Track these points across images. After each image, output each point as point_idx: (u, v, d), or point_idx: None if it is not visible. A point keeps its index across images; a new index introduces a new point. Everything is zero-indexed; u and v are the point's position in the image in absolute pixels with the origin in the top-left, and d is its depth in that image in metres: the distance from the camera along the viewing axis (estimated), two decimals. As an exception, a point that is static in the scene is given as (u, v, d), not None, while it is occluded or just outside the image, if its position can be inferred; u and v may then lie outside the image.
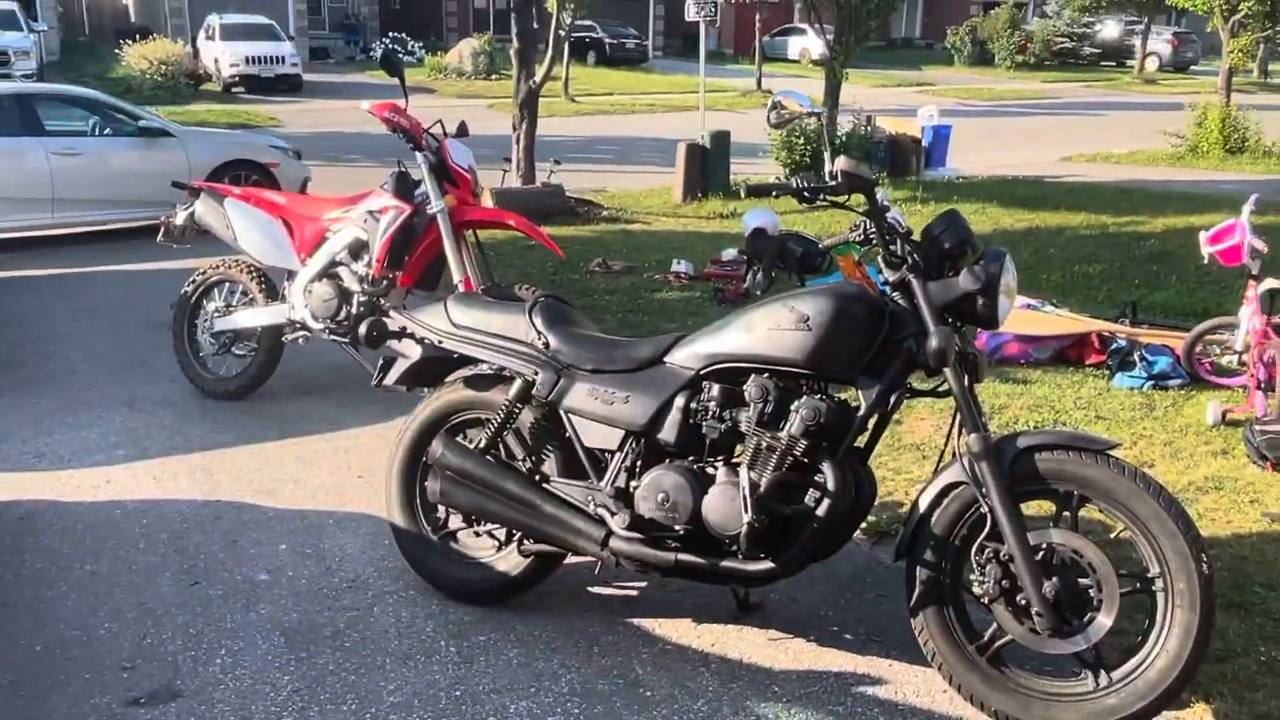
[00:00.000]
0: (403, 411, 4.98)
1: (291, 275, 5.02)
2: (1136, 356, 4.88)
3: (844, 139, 12.20)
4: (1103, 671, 2.57)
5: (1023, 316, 5.26)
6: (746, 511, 2.69)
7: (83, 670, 2.92)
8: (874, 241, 2.87)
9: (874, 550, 3.62)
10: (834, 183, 2.76)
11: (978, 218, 9.85)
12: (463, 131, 5.15)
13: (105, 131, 9.65)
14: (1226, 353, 4.78)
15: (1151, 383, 4.76)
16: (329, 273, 4.88)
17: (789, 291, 2.96)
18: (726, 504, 2.75)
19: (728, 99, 24.34)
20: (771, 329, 2.81)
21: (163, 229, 5.45)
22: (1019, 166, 13.94)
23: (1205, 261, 4.75)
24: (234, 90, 24.79)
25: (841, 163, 2.73)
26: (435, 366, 3.37)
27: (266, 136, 11.91)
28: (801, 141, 11.98)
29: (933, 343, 2.64)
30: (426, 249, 4.82)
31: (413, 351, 3.35)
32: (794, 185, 2.83)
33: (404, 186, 4.79)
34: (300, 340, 5.04)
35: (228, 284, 5.23)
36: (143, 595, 3.33)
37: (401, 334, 3.36)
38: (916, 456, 4.26)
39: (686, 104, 23.93)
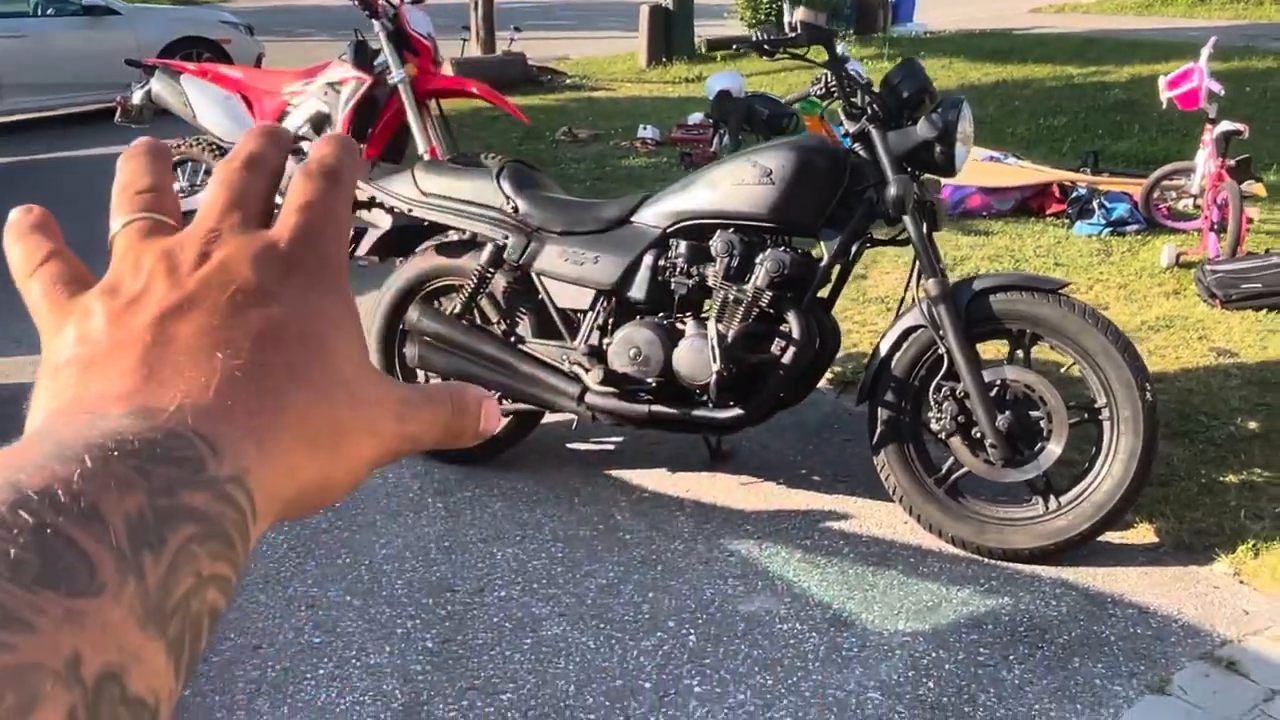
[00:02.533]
0: (375, 285, 5.05)
1: (255, 152, 4.98)
2: (1095, 204, 4.97)
3: (809, -5, 11.98)
4: (1052, 496, 2.74)
5: (985, 169, 5.32)
6: (715, 361, 2.80)
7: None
8: (835, 94, 2.91)
9: (840, 399, 3.76)
10: (793, 34, 2.78)
11: (944, 73, 9.78)
12: (417, -1, 5.06)
13: (48, 11, 9.34)
14: (1183, 197, 4.88)
15: (1110, 229, 4.87)
16: (291, 148, 4.84)
17: (752, 148, 3.00)
18: (695, 355, 2.85)
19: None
20: (735, 184, 2.86)
21: (120, 109, 5.37)
22: (988, 20, 13.73)
23: (1164, 106, 4.79)
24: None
25: (800, 14, 2.79)
26: (406, 236, 3.42)
27: (217, 12, 11.56)
28: (765, 1, 11.76)
29: (891, 190, 2.71)
30: (390, 120, 4.79)
31: (383, 221, 3.39)
32: (754, 38, 2.84)
33: (363, 57, 4.74)
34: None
35: (190, 164, 5.19)
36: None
37: (371, 204, 3.38)
38: (882, 309, 4.37)
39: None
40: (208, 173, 5.14)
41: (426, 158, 4.62)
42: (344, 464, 0.34)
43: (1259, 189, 5.01)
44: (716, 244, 2.87)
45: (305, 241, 0.35)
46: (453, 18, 10.49)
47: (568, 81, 10.38)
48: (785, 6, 2.52)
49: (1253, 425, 3.28)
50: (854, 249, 2.89)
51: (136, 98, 5.29)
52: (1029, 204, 5.25)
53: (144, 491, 0.27)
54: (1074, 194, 5.12)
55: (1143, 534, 2.86)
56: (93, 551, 0.25)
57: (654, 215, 3.01)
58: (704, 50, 2.80)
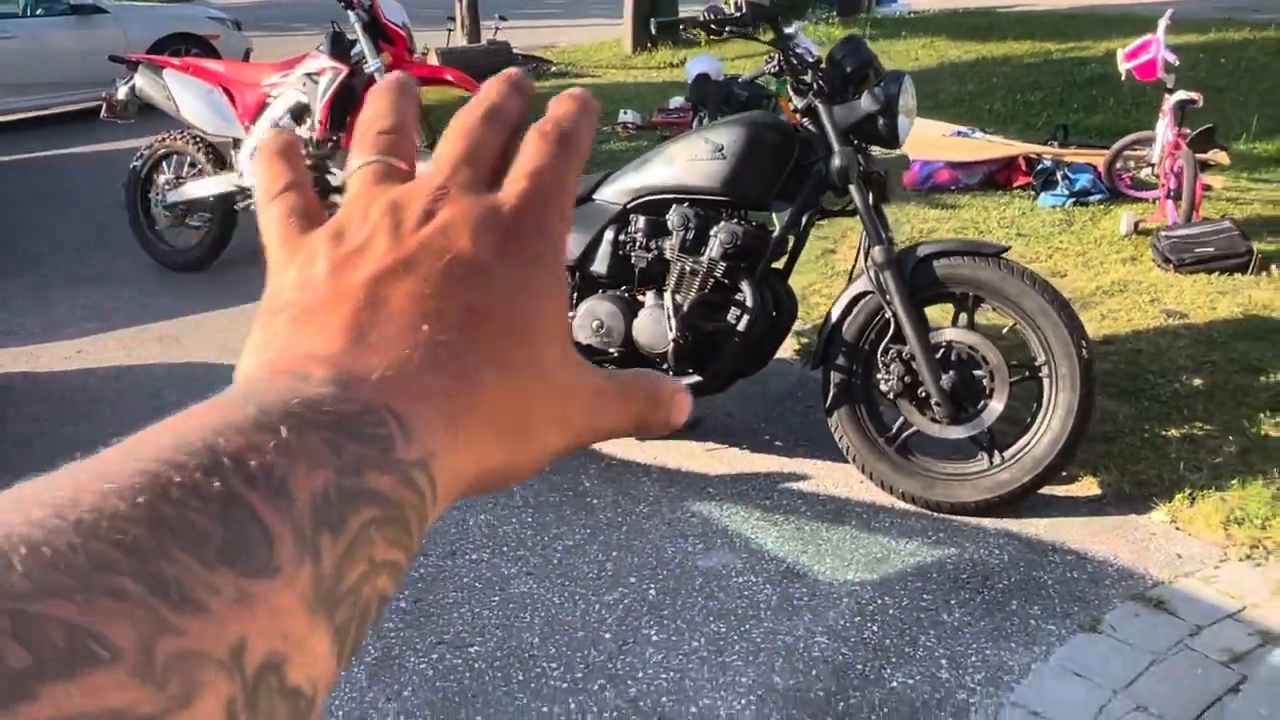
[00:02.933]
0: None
1: (237, 143, 5.09)
2: (1059, 176, 5.08)
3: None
4: (996, 452, 2.87)
5: (953, 144, 5.43)
6: (671, 330, 2.92)
7: (75, 516, 3.16)
8: (785, 71, 3.02)
9: (804, 369, 3.88)
10: (738, 14, 2.90)
11: (925, 52, 9.87)
12: (392, -12, 5.15)
13: (37, 12, 9.43)
14: (1144, 166, 4.98)
15: (1073, 199, 4.98)
16: (274, 138, 4.95)
17: (704, 126, 3.12)
18: (654, 325, 2.98)
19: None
20: (690, 160, 2.98)
21: (105, 105, 5.47)
22: (971, -1, 13.81)
23: (1123, 78, 4.90)
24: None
25: (744, -7, 2.86)
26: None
27: (203, 8, 11.64)
28: (749, -17, 11.82)
29: (836, 161, 2.83)
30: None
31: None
32: (701, 18, 2.96)
33: (339, 47, 4.84)
34: (252, 207, 5.15)
35: (175, 156, 5.30)
36: (124, 449, 3.55)
37: (343, 189, 3.50)
38: (845, 282, 4.49)
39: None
40: (192, 165, 5.25)
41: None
42: (529, 452, 0.33)
43: (1222, 157, 5.11)
44: (673, 218, 2.99)
45: (529, 211, 0.34)
46: (438, 8, 10.60)
47: (553, 69, 10.47)
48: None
49: (1197, 382, 3.40)
50: (805, 220, 3.01)
51: (121, 93, 5.39)
52: (996, 177, 5.36)
53: (333, 469, 0.27)
54: (1039, 166, 5.23)
55: (1086, 486, 2.98)
56: (275, 529, 0.25)
57: (614, 192, 3.13)
58: (653, 31, 2.89)
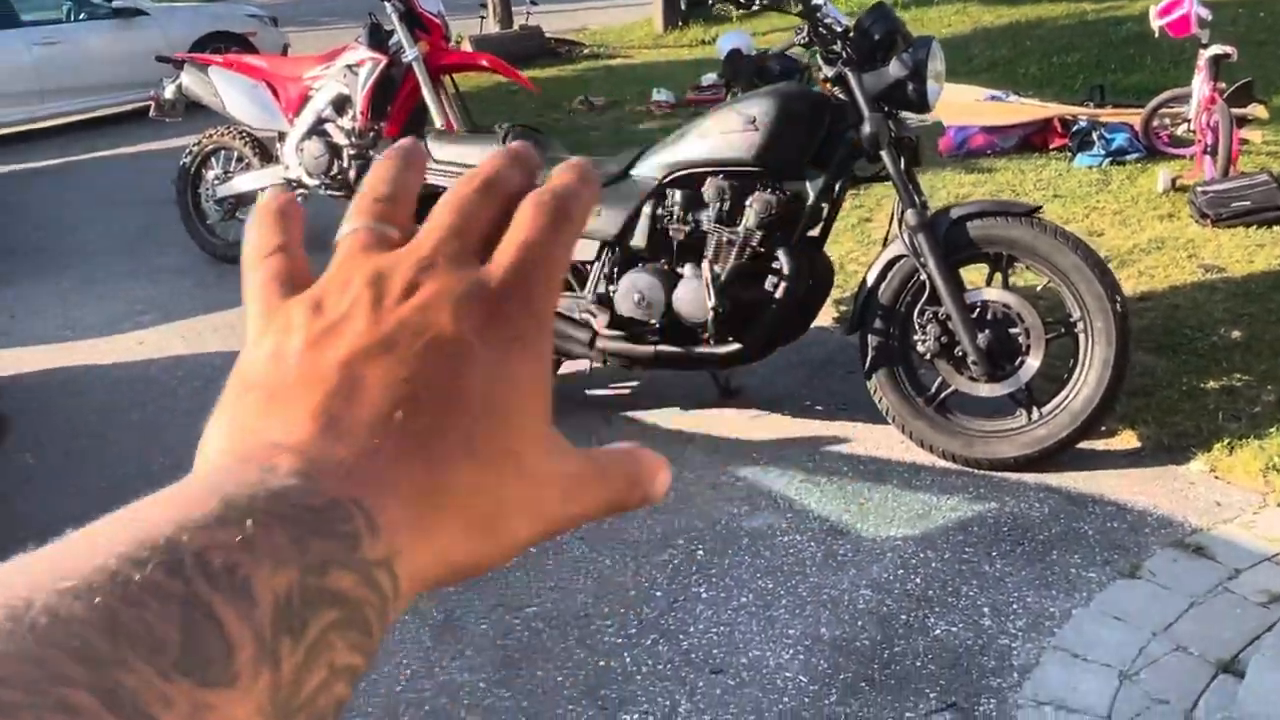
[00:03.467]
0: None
1: (282, 136, 5.23)
2: (1095, 136, 5.07)
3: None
4: (1034, 408, 2.92)
5: (987, 108, 5.43)
6: (710, 299, 3.00)
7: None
8: (815, 42, 3.08)
9: (842, 335, 3.93)
10: (765, -13, 2.95)
11: (958, 18, 9.80)
12: (425, -23, 5.25)
13: (80, 16, 9.66)
14: (1181, 122, 4.96)
15: (1109, 159, 4.97)
16: (317, 130, 5.08)
17: (736, 98, 3.18)
18: (693, 295, 3.05)
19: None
20: (723, 133, 3.05)
21: (154, 104, 5.64)
22: (1004, -38, 13.65)
23: (1156, 35, 4.88)
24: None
25: (772, -34, 2.91)
26: (421, 204, 3.64)
27: (241, 6, 11.81)
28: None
29: (866, 128, 2.88)
30: (407, 97, 5.01)
31: (401, 190, 3.61)
32: (729, -7, 3.01)
33: (377, 38, 4.94)
34: (299, 199, 5.28)
35: (223, 151, 5.45)
36: (187, 436, 3.64)
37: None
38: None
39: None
40: (239, 159, 5.40)
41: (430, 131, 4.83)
42: (497, 546, 0.32)
43: (1261, 111, 5.07)
44: (708, 190, 3.06)
45: (517, 286, 0.33)
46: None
47: (585, 52, 10.53)
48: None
49: (1235, 334, 3.42)
50: (838, 187, 3.07)
51: (168, 92, 5.55)
52: (1032, 140, 5.36)
53: (298, 568, 0.26)
54: (1075, 127, 5.22)
55: (1125, 440, 3.03)
56: (236, 635, 0.24)
57: (650, 167, 3.21)
58: (682, 6, 2.92)
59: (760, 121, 2.98)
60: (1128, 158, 4.97)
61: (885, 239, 3.16)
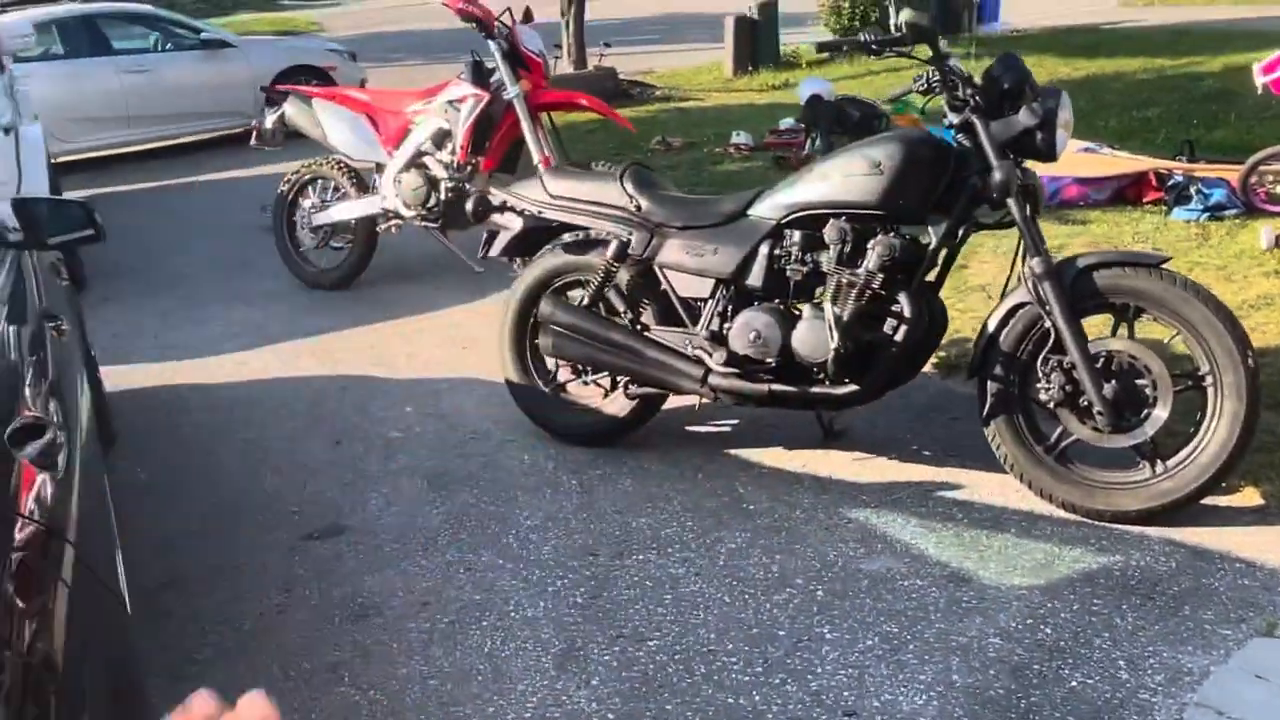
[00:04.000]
0: (493, 290, 5.35)
1: (380, 168, 5.34)
2: (1193, 190, 5.04)
3: None
4: (1158, 461, 2.88)
5: (1080, 160, 5.42)
6: (833, 340, 3.01)
7: (256, 515, 3.37)
8: (935, 90, 3.10)
9: (946, 381, 3.93)
10: (899, 35, 2.99)
11: (1035, 69, 9.68)
12: (528, 17, 5.37)
13: (168, 46, 9.95)
14: (1281, 181, 4.93)
15: (1208, 214, 4.94)
16: (416, 163, 5.19)
17: (860, 141, 3.20)
18: (814, 335, 3.07)
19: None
20: (846, 176, 3.07)
21: (255, 134, 5.79)
22: (1074, 16, 13.65)
23: (1259, 92, 4.86)
24: (274, -2, 24.81)
25: (906, 15, 2.95)
26: (534, 236, 3.70)
27: (321, 41, 12.12)
28: (848, 5, 11.92)
29: (997, 175, 2.89)
30: (505, 133, 5.10)
31: (514, 224, 3.68)
32: (862, 39, 3.05)
33: (480, 75, 5.05)
34: (393, 229, 5.39)
35: (320, 181, 5.57)
36: (295, 455, 3.77)
37: (503, 208, 3.68)
38: (983, 297, 4.53)
39: (727, -23, 23.50)
40: (336, 189, 5.52)
41: (541, 167, 4.91)
42: None
43: (1360, 171, 5.02)
44: (830, 232, 3.08)
45: None
46: (544, 35, 10.86)
47: (657, 94, 10.66)
48: (891, 9, 2.72)
49: (1356, 395, 3.36)
50: (960, 233, 3.08)
51: (269, 122, 5.70)
52: (1125, 193, 5.34)
53: None
54: (1171, 181, 5.20)
55: (1248, 497, 2.98)
56: None
57: (768, 208, 3.24)
58: (817, 51, 2.97)
59: (885, 166, 3.01)
60: (1226, 213, 4.94)
61: (1004, 285, 3.16)
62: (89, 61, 9.42)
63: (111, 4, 10.25)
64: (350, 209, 5.40)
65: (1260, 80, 4.71)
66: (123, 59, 9.62)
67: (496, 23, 5.01)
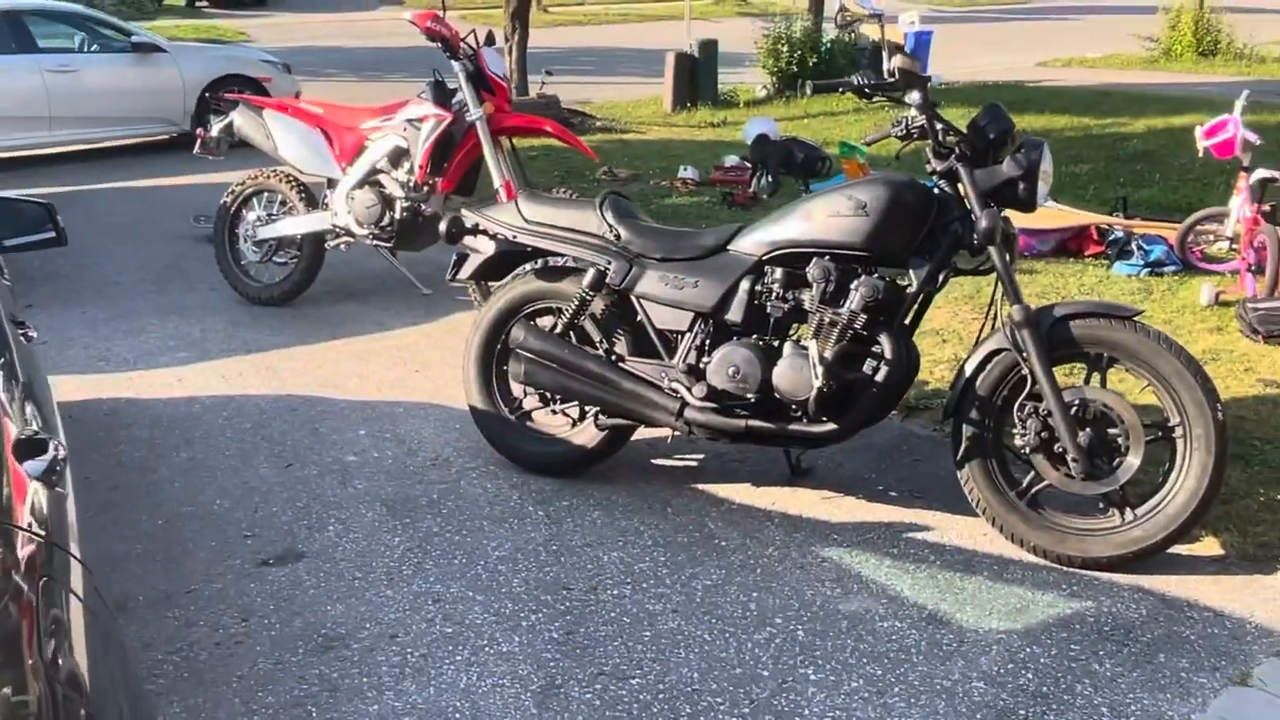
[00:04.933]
0: (441, 313, 5.26)
1: (332, 183, 5.22)
2: (1134, 246, 5.22)
3: (829, 45, 12.36)
4: (1128, 508, 2.94)
5: (1025, 211, 5.57)
6: (816, 379, 3.01)
7: (207, 539, 3.21)
8: (914, 137, 3.15)
9: (905, 423, 3.97)
10: (892, 79, 3.02)
11: (962, 123, 10.08)
12: (490, 40, 5.32)
13: (96, 48, 9.62)
14: (1217, 240, 5.13)
15: (1148, 269, 5.11)
16: (370, 180, 5.08)
17: (842, 184, 3.23)
18: (796, 373, 3.07)
19: (701, 7, 24.14)
20: (831, 216, 3.09)
21: (199, 141, 5.61)
22: (997, 72, 14.12)
23: (1200, 154, 5.06)
24: (198, 5, 24.30)
25: (899, 61, 2.99)
26: (504, 261, 3.64)
27: (256, 51, 11.87)
28: (786, 49, 12.14)
29: (983, 223, 2.94)
30: (465, 155, 5.03)
31: (486, 247, 3.61)
32: (856, 83, 3.08)
33: (442, 95, 4.98)
34: (343, 246, 5.26)
35: (266, 194, 5.42)
36: (243, 476, 3.62)
37: (475, 230, 3.61)
38: (936, 340, 4.60)
39: (660, 13, 23.77)
40: (283, 203, 5.37)
41: (502, 193, 4.85)
42: None
43: (1286, 234, 5.25)
44: (814, 271, 3.09)
45: None
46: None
47: (598, 124, 10.68)
48: (884, 54, 2.78)
49: (1304, 450, 3.49)
50: (940, 277, 3.11)
51: (215, 130, 5.53)
52: (1068, 245, 5.50)
53: None
54: (1112, 236, 5.38)
55: (1209, 546, 3.06)
56: None
57: (750, 244, 3.24)
58: (810, 92, 3.00)
59: (871, 208, 3.03)
60: (1165, 270, 5.12)
61: (979, 332, 3.21)
62: (12, 59, 9.04)
63: (40, 1, 9.88)
64: (298, 224, 5.26)
65: (1203, 144, 4.91)
66: (48, 58, 9.26)
67: (463, 44, 4.95)
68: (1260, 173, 4.66)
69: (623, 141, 9.88)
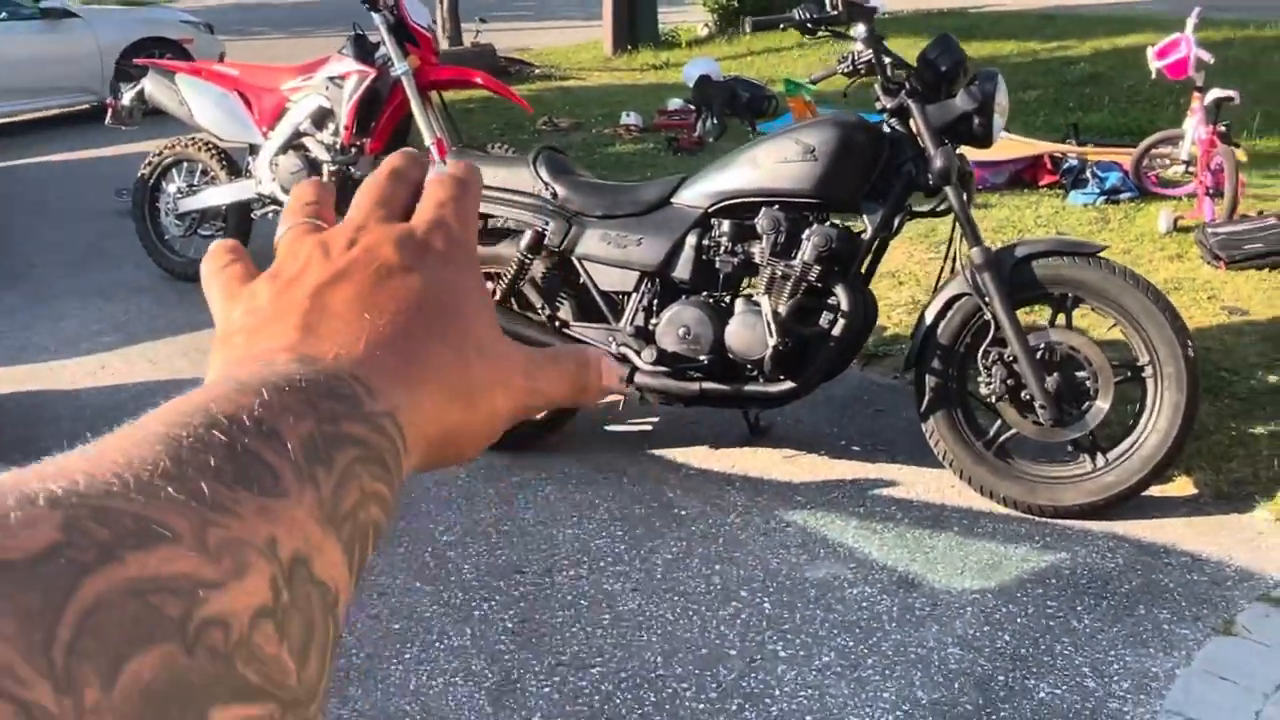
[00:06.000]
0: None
1: (254, 149, 4.94)
2: (1089, 173, 5.10)
3: (769, -20, 12.08)
4: (1099, 454, 2.83)
5: (977, 143, 5.42)
6: (771, 336, 2.85)
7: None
8: (862, 73, 2.98)
9: (865, 372, 3.83)
10: (835, 13, 2.84)
11: (910, 53, 9.88)
12: (412, -12, 5.03)
13: (2, 15, 9.13)
14: (1173, 164, 5.02)
15: (1104, 197, 4.99)
16: (294, 144, 4.81)
17: (787, 127, 3.05)
18: (749, 331, 2.91)
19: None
20: (779, 162, 2.92)
21: (110, 111, 5.29)
22: (941, 1, 13.91)
23: (1153, 76, 4.92)
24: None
25: (842, -9, 2.80)
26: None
27: (174, 12, 11.38)
28: (727, -16, 11.85)
29: (937, 162, 2.78)
30: (393, 113, 4.77)
31: (415, 212, 3.39)
32: (797, 17, 2.89)
33: (363, 49, 4.70)
34: (270, 214, 5.00)
35: (185, 164, 5.12)
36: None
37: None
38: (892, 283, 4.46)
39: (596, -46, 23.23)
40: (204, 172, 5.08)
41: (434, 151, 4.61)
42: (481, 413, 0.38)
43: (1240, 154, 5.15)
44: (762, 221, 2.92)
45: (439, 229, 0.40)
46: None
47: (536, 72, 10.36)
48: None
49: (1272, 379, 3.40)
50: (896, 222, 2.96)
51: (126, 99, 5.21)
52: (1022, 176, 5.37)
53: (313, 419, 0.31)
54: (1066, 164, 5.25)
55: (1182, 486, 2.96)
56: (275, 464, 0.29)
57: (695, 196, 3.06)
58: (749, 30, 2.81)
59: (820, 152, 2.86)
60: (1121, 197, 5.00)
61: (938, 277, 3.06)
62: (-91, 31, 8.55)
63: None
64: (221, 194, 4.97)
65: (1155, 65, 4.77)
66: (-52, 28, 8.77)
67: (382, -6, 4.66)
68: (1215, 93, 4.54)
69: (563, 89, 9.59)
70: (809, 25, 2.90)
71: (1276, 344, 3.60)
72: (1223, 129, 4.57)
